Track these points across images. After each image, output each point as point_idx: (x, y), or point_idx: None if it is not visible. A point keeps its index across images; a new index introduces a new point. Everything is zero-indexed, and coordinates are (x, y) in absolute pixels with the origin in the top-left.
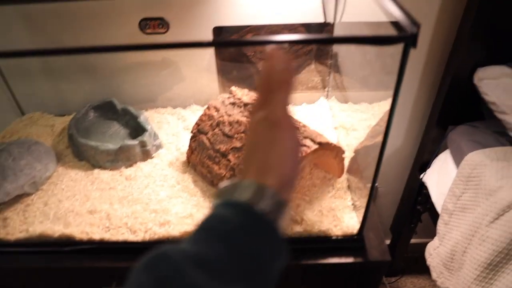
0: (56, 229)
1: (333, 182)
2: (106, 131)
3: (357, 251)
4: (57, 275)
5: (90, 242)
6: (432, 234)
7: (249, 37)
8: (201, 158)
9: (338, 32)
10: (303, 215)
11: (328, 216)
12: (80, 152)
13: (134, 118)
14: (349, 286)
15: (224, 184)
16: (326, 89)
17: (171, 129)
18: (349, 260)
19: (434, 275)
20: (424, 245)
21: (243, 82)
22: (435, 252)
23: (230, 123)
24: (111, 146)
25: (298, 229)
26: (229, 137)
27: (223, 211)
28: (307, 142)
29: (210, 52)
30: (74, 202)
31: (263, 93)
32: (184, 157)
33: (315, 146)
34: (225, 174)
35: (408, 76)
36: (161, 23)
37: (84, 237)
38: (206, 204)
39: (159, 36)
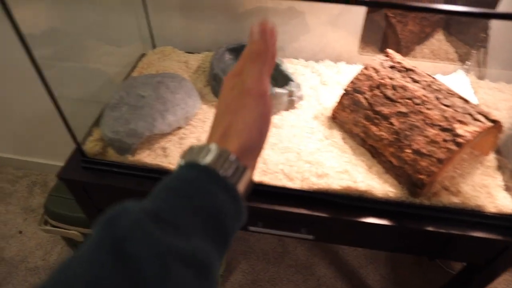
0: None
1: (481, 159)
2: None
3: (508, 230)
4: None
5: None
6: None
7: None
8: (355, 117)
9: (506, 3)
10: (459, 188)
11: (482, 192)
12: None
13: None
14: (488, 262)
15: (191, 146)
16: (468, 63)
17: (307, 82)
18: (498, 237)
19: None
20: None
21: (378, 43)
22: None
23: (394, 87)
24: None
25: (454, 200)
26: (392, 101)
27: (185, 171)
28: (480, 117)
29: (339, 8)
30: None
31: (241, 62)
32: (327, 112)
33: (490, 124)
34: (386, 137)
35: None
36: None
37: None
38: (358, 163)
39: None
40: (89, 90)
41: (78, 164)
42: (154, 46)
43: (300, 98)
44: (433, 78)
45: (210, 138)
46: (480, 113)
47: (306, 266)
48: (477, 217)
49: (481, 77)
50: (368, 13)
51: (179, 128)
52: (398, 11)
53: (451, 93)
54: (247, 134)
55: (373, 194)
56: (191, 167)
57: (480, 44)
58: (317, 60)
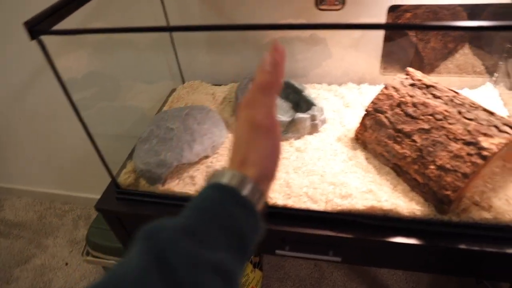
0: None
1: None
2: None
3: None
4: None
5: (274, 206)
6: None
7: (408, 17)
8: (377, 136)
9: None
10: (491, 202)
11: None
12: None
13: (297, 92)
14: None
15: (213, 170)
16: (495, 74)
17: (331, 105)
18: None
19: None
20: None
21: (400, 62)
22: None
23: (414, 104)
24: (284, 118)
25: (486, 215)
26: (414, 118)
27: (212, 192)
28: (506, 129)
29: (359, 31)
30: None
31: (253, 91)
32: (350, 134)
33: None
34: (409, 154)
35: None
36: None
37: (268, 201)
38: (383, 182)
39: (332, 13)
40: (125, 126)
41: (113, 196)
42: (183, 81)
43: (323, 121)
44: (456, 92)
45: (231, 165)
46: (506, 125)
47: None
48: (509, 232)
49: (510, 87)
50: (387, 33)
51: (207, 157)
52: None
53: (475, 106)
54: (262, 164)
55: (399, 213)
56: (217, 188)
57: (507, 55)
58: (340, 84)
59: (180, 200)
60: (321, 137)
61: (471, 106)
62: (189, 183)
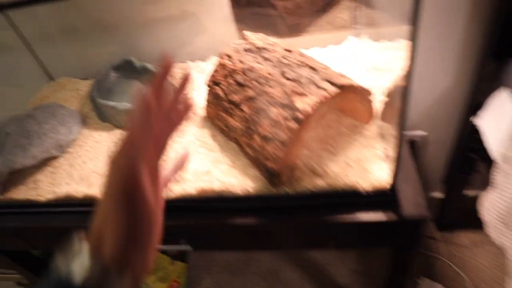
0: (79, 190)
1: (361, 130)
2: (128, 91)
3: (388, 207)
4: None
5: None
6: None
7: None
8: (216, 111)
9: None
10: (326, 168)
11: (354, 168)
12: (102, 114)
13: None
14: (384, 244)
15: (68, 246)
16: (355, 26)
17: (192, 84)
18: (379, 217)
19: (488, 229)
20: None
21: (264, 28)
22: (490, 205)
23: (243, 71)
24: (130, 105)
25: (320, 183)
26: (242, 86)
27: None
28: (325, 85)
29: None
30: (98, 163)
31: (123, 143)
32: (203, 112)
33: (336, 90)
34: (239, 126)
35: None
36: None
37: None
38: (224, 160)
39: None
40: None
41: None
42: (52, 79)
43: None
44: (289, 51)
45: (88, 240)
46: (326, 80)
47: (271, 271)
48: (349, 197)
49: (378, 38)
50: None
51: (55, 157)
52: None
53: (301, 64)
54: (123, 250)
55: (232, 192)
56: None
57: (357, 4)
58: (204, 59)
59: (25, 207)
60: None
61: (298, 64)
62: (32, 188)
